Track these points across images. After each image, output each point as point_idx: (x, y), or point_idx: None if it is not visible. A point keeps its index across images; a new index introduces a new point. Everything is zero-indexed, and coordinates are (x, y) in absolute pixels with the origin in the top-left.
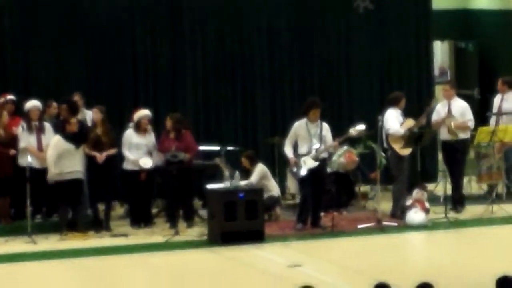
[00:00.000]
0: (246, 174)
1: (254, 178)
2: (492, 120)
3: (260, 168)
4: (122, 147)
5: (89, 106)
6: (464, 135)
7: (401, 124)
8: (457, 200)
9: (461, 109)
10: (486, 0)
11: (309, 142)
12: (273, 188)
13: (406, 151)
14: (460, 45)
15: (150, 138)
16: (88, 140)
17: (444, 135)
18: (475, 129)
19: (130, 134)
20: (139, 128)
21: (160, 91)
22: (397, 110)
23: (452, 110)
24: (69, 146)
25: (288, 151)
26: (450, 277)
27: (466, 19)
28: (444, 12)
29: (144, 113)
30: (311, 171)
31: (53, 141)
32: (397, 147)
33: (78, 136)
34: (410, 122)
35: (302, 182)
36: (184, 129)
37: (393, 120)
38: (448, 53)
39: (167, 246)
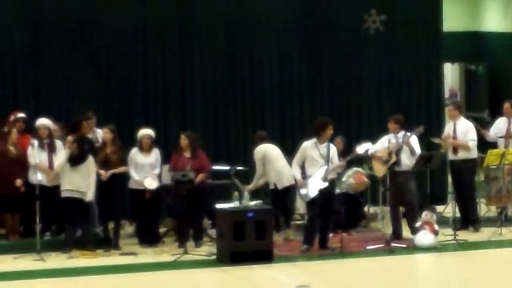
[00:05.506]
0: None
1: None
2: (501, 143)
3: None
4: (129, 166)
5: (99, 125)
6: (467, 155)
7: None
8: (473, 220)
9: (464, 129)
10: (496, 23)
11: (318, 163)
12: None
13: (380, 172)
14: (470, 67)
15: (154, 157)
16: (97, 159)
17: (449, 155)
18: (485, 151)
19: (134, 154)
20: (142, 147)
21: (170, 111)
22: (390, 134)
23: (457, 130)
24: (66, 164)
25: (296, 172)
26: None
27: (476, 42)
28: (454, 35)
29: (144, 132)
30: (320, 193)
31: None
32: (375, 166)
33: (76, 155)
34: (392, 148)
35: (311, 203)
36: (198, 147)
37: (376, 143)
38: (458, 75)
39: (176, 265)
